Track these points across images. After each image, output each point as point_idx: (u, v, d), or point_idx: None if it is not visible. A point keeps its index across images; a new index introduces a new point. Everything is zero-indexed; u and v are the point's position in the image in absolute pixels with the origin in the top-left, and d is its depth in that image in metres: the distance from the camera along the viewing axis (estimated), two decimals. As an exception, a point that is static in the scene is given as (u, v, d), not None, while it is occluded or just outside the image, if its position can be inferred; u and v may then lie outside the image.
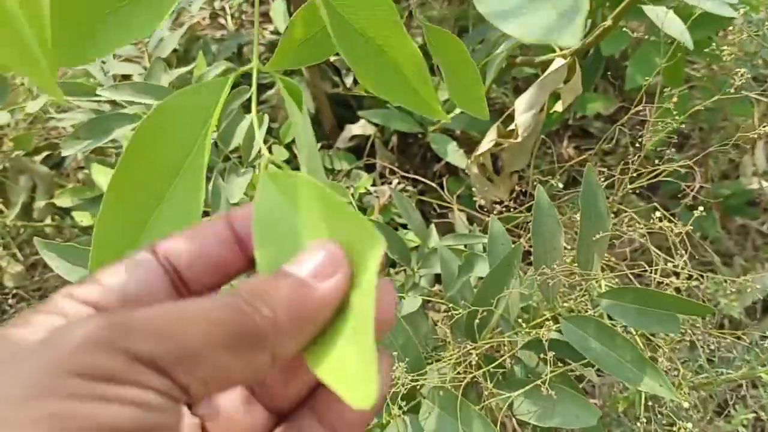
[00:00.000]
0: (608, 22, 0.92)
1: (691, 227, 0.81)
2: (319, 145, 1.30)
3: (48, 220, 1.27)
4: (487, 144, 0.99)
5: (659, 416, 0.84)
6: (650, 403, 0.83)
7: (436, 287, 1.02)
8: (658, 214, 0.77)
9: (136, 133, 0.31)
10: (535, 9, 0.31)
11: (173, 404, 0.23)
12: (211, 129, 0.31)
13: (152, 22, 0.32)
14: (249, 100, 1.05)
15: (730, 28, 0.98)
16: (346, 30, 0.34)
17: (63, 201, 1.20)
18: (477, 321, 0.78)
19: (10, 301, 1.14)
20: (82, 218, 1.17)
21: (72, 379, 0.22)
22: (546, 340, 0.71)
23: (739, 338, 0.85)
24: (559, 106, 0.98)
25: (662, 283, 0.83)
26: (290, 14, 1.32)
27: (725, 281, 0.91)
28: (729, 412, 1.00)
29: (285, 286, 0.26)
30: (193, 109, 0.31)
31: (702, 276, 0.82)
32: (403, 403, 0.74)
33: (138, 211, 0.31)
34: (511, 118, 1.05)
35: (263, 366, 0.26)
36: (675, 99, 0.83)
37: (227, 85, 0.31)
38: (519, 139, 0.94)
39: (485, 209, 1.11)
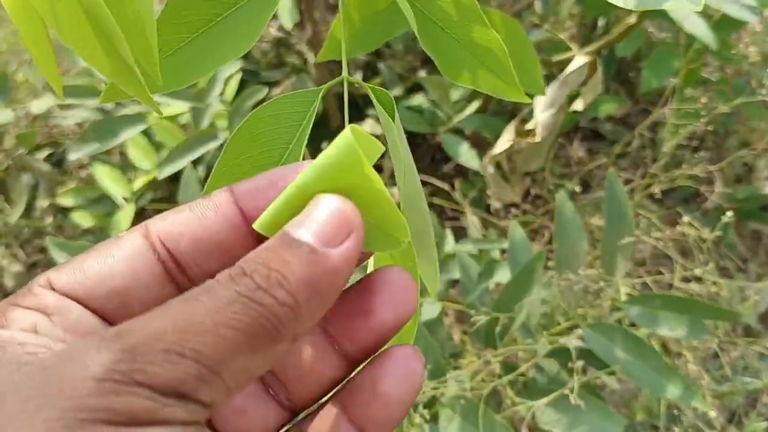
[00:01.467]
0: (632, 20, 0.90)
1: (714, 233, 0.79)
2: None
3: (49, 219, 1.24)
4: (504, 144, 0.97)
5: (679, 424, 0.83)
6: (674, 411, 0.81)
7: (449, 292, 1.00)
8: (686, 219, 0.76)
9: (234, 135, 0.31)
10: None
11: (199, 428, 0.22)
12: (306, 133, 0.32)
13: (249, 39, 0.33)
14: (260, 101, 1.03)
15: (750, 28, 0.97)
16: (428, 25, 0.34)
17: (65, 200, 1.17)
18: (498, 328, 0.77)
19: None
20: (83, 219, 1.14)
21: (95, 427, 0.20)
22: (575, 349, 0.70)
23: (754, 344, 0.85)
24: (579, 105, 0.97)
25: (680, 288, 0.82)
26: (300, 12, 1.29)
27: (743, 287, 0.90)
28: (741, 420, 1.00)
29: (297, 261, 0.23)
30: (287, 116, 0.32)
31: (720, 282, 0.81)
32: (425, 411, 0.72)
33: None
34: (524, 120, 1.04)
35: (283, 352, 0.24)
36: (704, 100, 0.81)
37: (320, 94, 0.32)
38: (538, 139, 0.92)
39: (499, 212, 1.10)
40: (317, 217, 0.24)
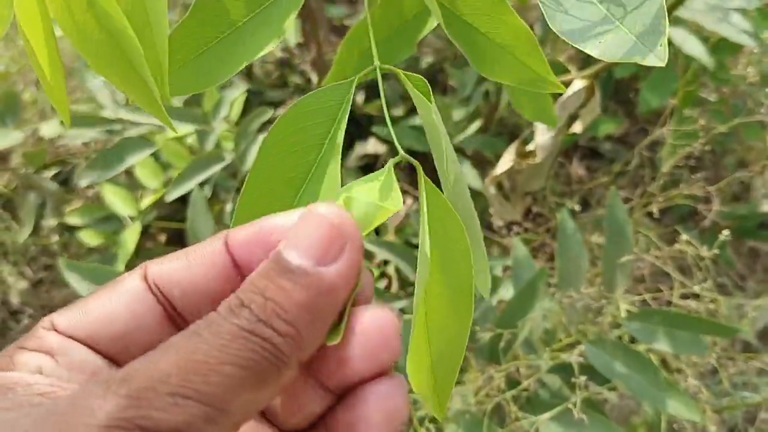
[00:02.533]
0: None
1: (712, 251, 0.81)
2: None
3: (56, 237, 1.26)
4: (505, 164, 0.99)
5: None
6: (674, 426, 0.83)
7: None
8: (684, 237, 0.77)
9: (269, 135, 0.31)
10: (610, 31, 0.31)
11: None
12: (342, 127, 0.32)
13: (267, 43, 0.33)
14: (266, 122, 1.05)
15: (747, 49, 0.99)
16: (457, 23, 0.34)
17: (73, 220, 1.19)
18: (502, 344, 0.78)
19: (23, 321, 1.13)
20: (89, 238, 1.16)
21: None
22: (576, 364, 0.71)
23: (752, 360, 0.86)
24: (578, 127, 0.98)
25: (679, 305, 0.84)
26: (303, 32, 1.32)
27: (741, 304, 0.91)
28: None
29: (293, 287, 0.23)
30: (321, 111, 0.32)
31: (719, 298, 0.83)
32: (431, 426, 0.73)
33: (276, 203, 0.32)
34: (524, 141, 1.05)
35: (290, 378, 0.24)
36: (701, 121, 0.83)
37: (354, 84, 0.33)
38: (538, 160, 0.94)
39: (500, 230, 1.12)
40: (308, 233, 0.24)
